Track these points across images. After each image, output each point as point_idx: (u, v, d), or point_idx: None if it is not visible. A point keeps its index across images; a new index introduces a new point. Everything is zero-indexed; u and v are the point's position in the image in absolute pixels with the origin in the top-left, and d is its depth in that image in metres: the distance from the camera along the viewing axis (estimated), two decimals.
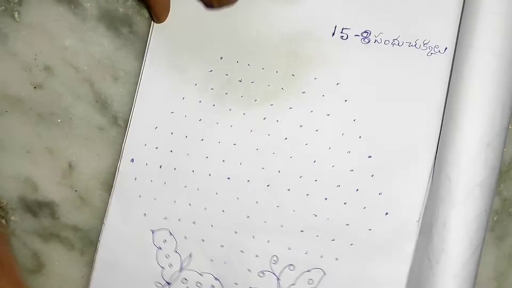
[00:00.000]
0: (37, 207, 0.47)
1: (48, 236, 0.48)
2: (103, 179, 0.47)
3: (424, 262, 0.41)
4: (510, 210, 0.44)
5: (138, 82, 0.46)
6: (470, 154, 0.39)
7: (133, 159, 0.45)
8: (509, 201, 0.44)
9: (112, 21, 0.46)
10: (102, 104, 0.47)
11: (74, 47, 0.46)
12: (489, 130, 0.39)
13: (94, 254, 0.47)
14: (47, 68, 0.46)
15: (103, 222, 0.46)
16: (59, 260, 0.48)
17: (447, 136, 0.40)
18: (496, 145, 0.39)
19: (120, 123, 0.47)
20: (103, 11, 0.46)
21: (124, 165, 0.45)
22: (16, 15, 0.46)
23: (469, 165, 0.39)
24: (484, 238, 0.40)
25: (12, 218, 0.48)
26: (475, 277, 0.40)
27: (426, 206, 0.42)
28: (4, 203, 0.47)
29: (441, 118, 0.42)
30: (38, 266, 0.48)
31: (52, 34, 0.46)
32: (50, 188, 0.47)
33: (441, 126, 0.41)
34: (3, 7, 0.46)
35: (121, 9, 0.46)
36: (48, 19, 0.46)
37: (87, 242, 0.47)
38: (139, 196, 0.45)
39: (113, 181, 0.46)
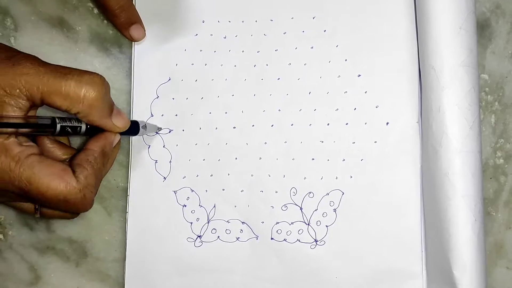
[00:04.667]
0: (33, 222, 0.49)
1: (44, 249, 0.49)
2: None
3: (430, 152, 0.43)
4: (488, 209, 0.47)
5: (132, 61, 0.48)
6: (446, 39, 0.42)
7: (145, 124, 0.47)
8: (487, 200, 0.47)
9: (102, 43, 0.49)
10: None
11: None
12: (458, 14, 0.42)
13: (89, 265, 0.48)
14: None
15: (127, 194, 0.48)
16: (55, 272, 0.49)
17: (423, 29, 0.43)
18: (468, 28, 0.42)
19: None
20: (94, 34, 0.49)
21: (135, 136, 0.48)
22: (12, 40, 0.49)
23: (448, 49, 0.41)
24: (479, 115, 0.42)
25: (10, 232, 0.49)
26: (480, 152, 0.42)
27: (422, 108, 0.45)
28: (2, 218, 0.49)
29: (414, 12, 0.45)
30: (35, 279, 0.49)
31: (46, 57, 0.47)
32: None
33: (416, 22, 0.44)
34: (0, 33, 0.49)
35: (110, 31, 0.49)
36: (42, 42, 0.49)
37: (82, 254, 0.49)
38: (156, 161, 0.47)
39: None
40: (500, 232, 0.46)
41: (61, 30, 0.49)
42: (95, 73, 0.38)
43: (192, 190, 0.47)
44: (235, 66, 0.47)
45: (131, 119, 0.46)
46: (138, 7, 0.47)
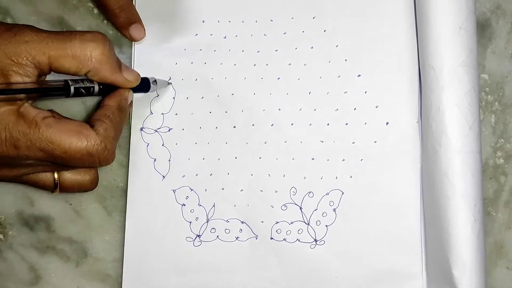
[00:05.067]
0: (33, 221, 0.49)
1: (44, 249, 0.49)
2: (96, 192, 0.48)
3: (430, 153, 0.43)
4: (488, 209, 0.47)
5: (131, 60, 0.49)
6: (446, 39, 0.42)
7: (142, 127, 0.47)
8: (487, 200, 0.47)
9: None
10: None
11: None
12: (458, 14, 0.42)
13: (89, 265, 0.48)
14: None
15: (126, 194, 0.48)
16: (55, 272, 0.49)
17: (423, 29, 0.43)
18: (468, 28, 0.42)
19: None
20: None
21: (134, 134, 0.48)
22: None
23: (448, 49, 0.42)
24: (478, 115, 0.42)
25: (10, 232, 0.49)
26: (480, 152, 0.42)
27: (421, 108, 0.45)
28: (2, 218, 0.49)
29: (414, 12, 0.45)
30: (35, 279, 0.49)
31: None
32: (46, 203, 0.48)
33: (416, 22, 0.45)
34: None
35: (110, 31, 0.49)
36: None
37: (82, 254, 0.49)
38: (155, 160, 0.47)
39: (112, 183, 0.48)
40: (500, 232, 0.46)
41: (61, 30, 0.49)
42: (95, 31, 0.39)
43: (192, 189, 0.47)
44: (234, 65, 0.47)
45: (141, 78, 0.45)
46: (138, 7, 0.47)
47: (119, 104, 0.42)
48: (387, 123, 0.45)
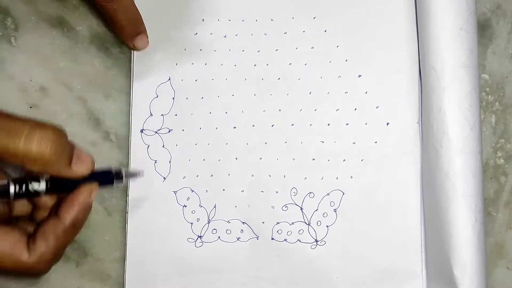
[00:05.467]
0: None
1: None
2: None
3: (431, 153, 0.43)
4: (488, 209, 0.47)
5: (131, 60, 0.48)
6: (447, 40, 0.42)
7: (142, 129, 0.47)
8: (488, 200, 0.47)
9: (103, 43, 0.49)
10: (94, 120, 0.49)
11: (68, 68, 0.49)
12: (458, 15, 0.42)
13: (89, 265, 0.48)
14: (42, 89, 0.48)
15: (127, 194, 0.48)
16: (55, 272, 0.48)
17: (424, 30, 0.43)
18: (469, 28, 0.42)
19: (112, 138, 0.49)
20: (94, 34, 0.49)
21: (135, 135, 0.48)
22: (12, 40, 0.49)
23: (449, 50, 0.42)
24: (479, 115, 0.42)
25: None
26: (480, 152, 0.42)
27: (422, 108, 0.45)
28: None
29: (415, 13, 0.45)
30: (35, 279, 0.49)
31: (46, 57, 0.49)
32: None
33: (417, 22, 0.44)
34: (0, 33, 0.49)
35: (110, 31, 0.49)
36: (43, 42, 0.49)
37: (82, 254, 0.48)
38: (155, 161, 0.47)
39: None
40: (501, 232, 0.46)
41: (61, 30, 0.49)
42: (49, 126, 0.35)
43: (192, 190, 0.47)
44: (235, 65, 0.47)
45: (109, 168, 0.40)
46: (138, 7, 0.47)
47: (76, 218, 0.37)
48: (387, 124, 0.45)
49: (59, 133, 0.35)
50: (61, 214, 0.37)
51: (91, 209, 0.39)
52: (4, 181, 0.35)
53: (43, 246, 0.36)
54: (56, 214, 0.37)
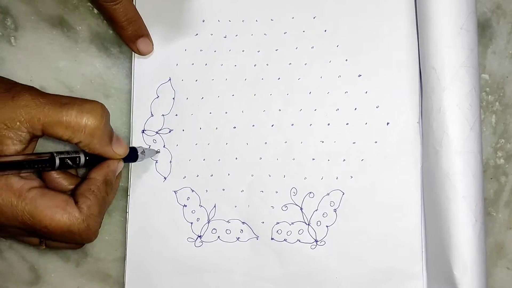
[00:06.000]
0: None
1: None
2: None
3: (431, 153, 0.43)
4: (488, 209, 0.47)
5: (132, 61, 0.48)
6: (447, 40, 0.42)
7: (143, 129, 0.47)
8: (488, 200, 0.47)
9: (103, 42, 0.49)
10: None
11: (68, 67, 0.49)
12: (459, 15, 0.42)
13: (89, 265, 0.48)
14: (42, 89, 0.46)
15: (127, 194, 0.48)
16: (55, 272, 0.49)
17: (424, 30, 0.43)
18: (469, 28, 0.42)
19: None
20: (94, 33, 0.49)
21: (136, 135, 0.48)
22: (12, 40, 0.49)
23: (449, 49, 0.41)
24: (479, 115, 0.42)
25: None
26: (480, 153, 0.42)
27: (422, 108, 0.45)
28: None
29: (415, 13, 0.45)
30: (36, 278, 0.49)
31: (46, 57, 0.49)
32: None
33: (417, 22, 0.44)
34: (0, 33, 0.49)
35: (110, 31, 0.49)
36: (43, 42, 0.49)
37: (82, 254, 0.49)
38: (156, 161, 0.47)
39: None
40: (501, 232, 0.46)
41: (61, 30, 0.49)
42: (95, 101, 0.39)
43: (193, 190, 0.47)
44: (235, 66, 0.47)
45: (130, 145, 0.47)
46: (138, 7, 0.47)
47: (106, 177, 0.41)
48: (387, 123, 0.45)
49: (105, 108, 0.39)
50: (91, 175, 0.41)
51: (120, 175, 0.44)
52: (49, 155, 0.38)
53: (86, 202, 0.39)
54: (87, 177, 0.41)
